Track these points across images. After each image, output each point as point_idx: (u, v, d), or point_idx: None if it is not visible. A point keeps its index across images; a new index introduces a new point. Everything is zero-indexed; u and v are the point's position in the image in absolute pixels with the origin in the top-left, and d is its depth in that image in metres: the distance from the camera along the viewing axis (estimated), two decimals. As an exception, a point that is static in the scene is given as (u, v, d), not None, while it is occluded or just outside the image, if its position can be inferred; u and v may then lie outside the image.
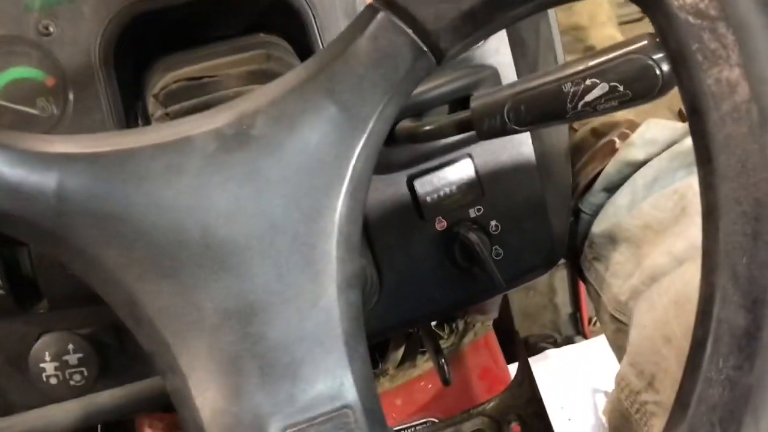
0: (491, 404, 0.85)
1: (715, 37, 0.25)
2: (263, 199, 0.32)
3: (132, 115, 0.51)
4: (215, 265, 0.31)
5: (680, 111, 0.73)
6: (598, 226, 0.59)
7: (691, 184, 0.54)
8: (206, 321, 0.31)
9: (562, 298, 1.25)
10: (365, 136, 0.33)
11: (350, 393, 0.32)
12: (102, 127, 0.48)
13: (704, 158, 0.26)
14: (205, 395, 0.31)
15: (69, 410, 0.46)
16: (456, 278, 0.54)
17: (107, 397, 0.47)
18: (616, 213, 0.58)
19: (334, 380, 0.32)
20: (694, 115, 0.26)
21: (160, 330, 0.32)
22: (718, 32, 0.25)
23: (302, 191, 0.32)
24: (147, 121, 0.48)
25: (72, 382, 0.47)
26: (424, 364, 0.87)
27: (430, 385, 0.87)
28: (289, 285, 0.32)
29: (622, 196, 0.58)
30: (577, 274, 0.65)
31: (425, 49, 0.32)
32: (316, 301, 0.32)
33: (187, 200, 0.31)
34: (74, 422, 0.46)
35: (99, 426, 0.75)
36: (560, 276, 1.23)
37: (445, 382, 0.70)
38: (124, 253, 0.31)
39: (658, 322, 0.49)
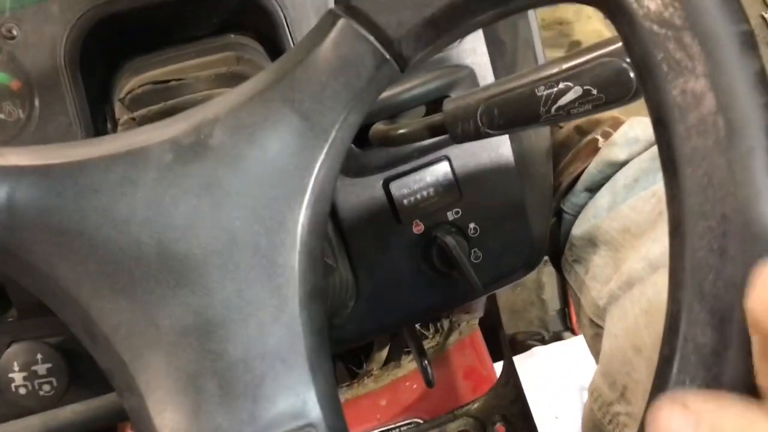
0: (476, 405, 0.84)
1: (680, 47, 0.24)
2: (222, 211, 0.31)
3: (101, 119, 0.50)
4: (172, 281, 0.31)
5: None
6: (579, 228, 0.58)
7: None
8: (164, 338, 0.30)
9: (550, 293, 1.24)
10: (327, 145, 0.32)
11: (314, 411, 0.31)
12: (69, 131, 0.47)
13: (670, 171, 0.25)
14: (164, 415, 0.30)
15: (30, 426, 0.45)
16: (434, 282, 0.53)
17: (70, 413, 0.46)
18: (596, 214, 0.57)
19: (296, 398, 0.31)
20: (660, 126, 0.26)
21: (116, 348, 0.31)
22: (684, 42, 0.24)
23: (262, 203, 0.31)
24: (115, 126, 0.47)
25: (41, 393, 0.46)
26: (409, 364, 0.86)
27: (415, 386, 0.87)
28: (249, 300, 0.31)
29: (602, 197, 0.57)
30: (559, 275, 0.64)
31: (388, 56, 0.31)
32: (278, 316, 0.31)
33: (142, 214, 0.30)
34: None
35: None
36: (548, 271, 1.22)
37: (429, 383, 0.70)
38: (77, 269, 0.30)
39: (629, 331, 0.49)
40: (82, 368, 0.47)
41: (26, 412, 0.47)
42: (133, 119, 0.44)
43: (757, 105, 0.24)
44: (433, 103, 0.51)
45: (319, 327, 0.32)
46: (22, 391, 0.46)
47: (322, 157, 0.32)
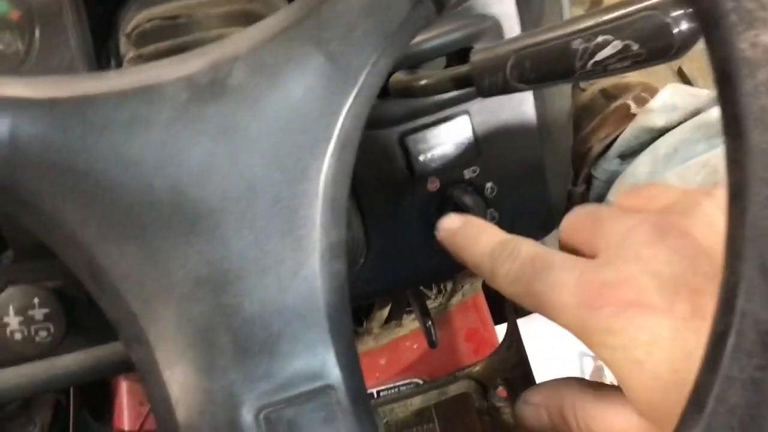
0: (478, 367, 0.83)
1: None
2: (240, 157, 0.29)
3: (104, 54, 0.47)
4: (186, 228, 0.29)
5: (680, 69, 0.69)
6: (616, 195, 0.56)
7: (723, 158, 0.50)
8: (176, 289, 0.29)
9: (553, 258, 1.22)
10: (355, 91, 0.30)
11: (332, 371, 0.30)
12: (70, 66, 0.44)
13: (733, 132, 0.23)
14: (174, 369, 0.29)
15: (25, 374, 0.44)
16: (447, 242, 0.51)
17: (68, 361, 0.44)
18: (636, 183, 0.54)
19: (314, 357, 0.29)
20: (725, 82, 0.23)
21: (124, 297, 0.29)
22: None
23: (284, 150, 0.29)
24: (119, 63, 0.45)
25: (38, 339, 0.45)
26: (411, 323, 0.85)
27: (415, 346, 0.85)
28: (267, 252, 0.29)
29: (642, 164, 0.54)
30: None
31: None
32: (297, 271, 0.30)
33: (154, 155, 0.28)
34: (30, 387, 0.44)
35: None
36: (552, 234, 1.20)
37: (432, 344, 0.68)
38: (83, 211, 0.28)
39: None
40: (80, 315, 0.45)
41: (21, 359, 0.45)
42: (140, 56, 0.41)
43: None
44: (456, 53, 0.48)
45: (340, 284, 0.30)
46: (18, 336, 0.45)
47: (349, 103, 0.30)
